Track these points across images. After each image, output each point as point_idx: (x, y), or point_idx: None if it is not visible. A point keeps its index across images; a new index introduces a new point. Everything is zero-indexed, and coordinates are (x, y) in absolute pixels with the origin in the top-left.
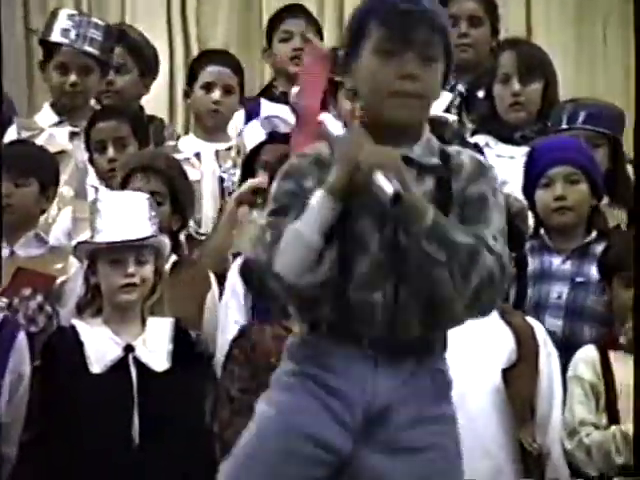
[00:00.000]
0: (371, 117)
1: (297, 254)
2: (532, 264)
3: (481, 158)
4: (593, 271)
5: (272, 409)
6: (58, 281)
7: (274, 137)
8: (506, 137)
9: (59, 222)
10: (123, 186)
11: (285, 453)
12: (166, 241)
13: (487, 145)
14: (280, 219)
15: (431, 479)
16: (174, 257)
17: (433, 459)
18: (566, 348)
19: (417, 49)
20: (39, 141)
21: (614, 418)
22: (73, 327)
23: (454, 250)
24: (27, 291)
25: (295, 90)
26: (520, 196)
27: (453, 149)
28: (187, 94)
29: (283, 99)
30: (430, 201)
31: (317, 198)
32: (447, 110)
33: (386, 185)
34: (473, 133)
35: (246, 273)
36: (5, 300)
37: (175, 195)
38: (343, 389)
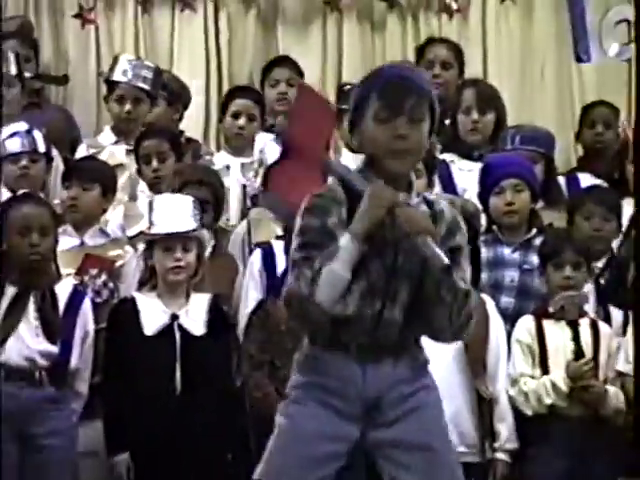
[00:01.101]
0: (374, 169)
1: (333, 289)
2: (488, 253)
3: (455, 211)
4: (535, 260)
5: (288, 421)
6: (118, 264)
7: None
8: (466, 155)
9: (114, 218)
10: (180, 191)
11: (306, 448)
12: (206, 234)
13: (452, 161)
14: (312, 254)
15: (425, 427)
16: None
17: (423, 413)
18: (516, 320)
19: (406, 114)
20: (102, 156)
21: (545, 371)
22: (133, 299)
23: (456, 293)
24: (94, 271)
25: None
26: (475, 200)
27: (431, 197)
28: (221, 120)
29: (270, 129)
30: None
31: (346, 241)
32: None
33: (440, 255)
34: (441, 151)
35: (289, 302)
36: (78, 277)
37: (218, 202)
38: (340, 390)
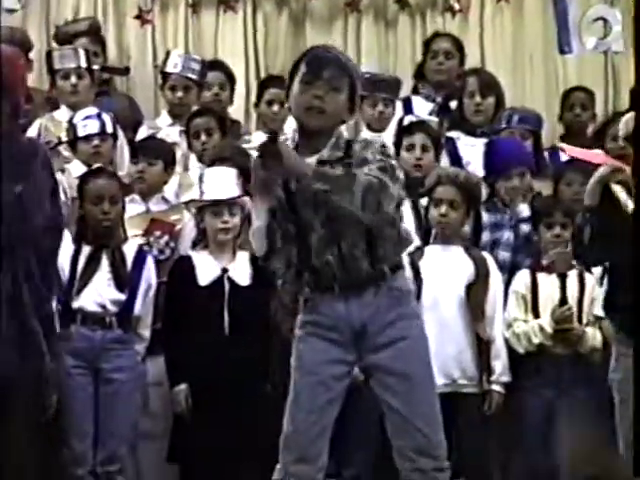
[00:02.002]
0: (298, 125)
1: (255, 238)
2: (490, 218)
3: (370, 138)
4: (525, 227)
5: (297, 360)
6: (177, 227)
7: None
8: (470, 132)
9: (170, 187)
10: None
11: (314, 376)
12: (248, 200)
13: (458, 138)
14: None
15: (408, 357)
16: None
17: (407, 344)
18: (512, 271)
19: (325, 80)
20: (159, 136)
21: (537, 316)
22: (189, 256)
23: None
24: (158, 233)
25: None
26: (478, 173)
27: (359, 139)
28: (257, 106)
29: None
30: (341, 180)
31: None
32: (430, 114)
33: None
34: (448, 129)
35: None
36: (145, 238)
37: (243, 171)
38: (331, 323)
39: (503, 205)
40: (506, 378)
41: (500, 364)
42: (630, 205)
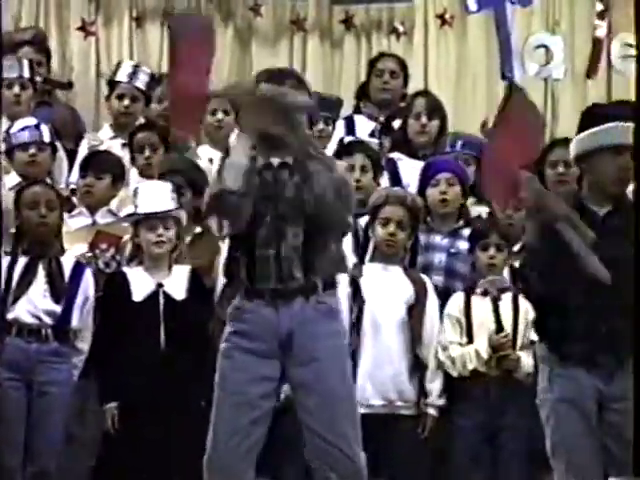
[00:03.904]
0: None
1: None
2: (421, 240)
3: None
4: (461, 245)
5: (222, 380)
6: (123, 240)
7: None
8: (413, 154)
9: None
10: None
11: (238, 396)
12: (183, 214)
13: (399, 159)
14: None
15: (331, 377)
16: (199, 228)
17: (332, 364)
18: (445, 296)
19: None
20: (101, 149)
21: (470, 340)
22: (123, 272)
23: None
24: (104, 246)
25: None
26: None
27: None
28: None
29: None
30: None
31: None
32: (372, 135)
33: None
34: (389, 150)
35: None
36: (91, 252)
37: (193, 185)
38: (259, 332)
39: (437, 225)
40: (442, 401)
41: (436, 387)
42: None
